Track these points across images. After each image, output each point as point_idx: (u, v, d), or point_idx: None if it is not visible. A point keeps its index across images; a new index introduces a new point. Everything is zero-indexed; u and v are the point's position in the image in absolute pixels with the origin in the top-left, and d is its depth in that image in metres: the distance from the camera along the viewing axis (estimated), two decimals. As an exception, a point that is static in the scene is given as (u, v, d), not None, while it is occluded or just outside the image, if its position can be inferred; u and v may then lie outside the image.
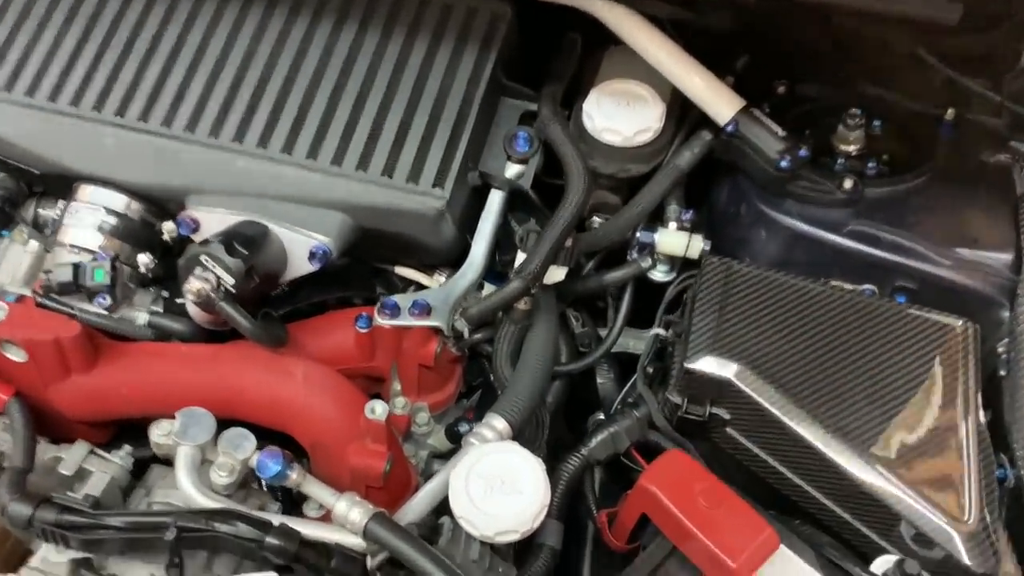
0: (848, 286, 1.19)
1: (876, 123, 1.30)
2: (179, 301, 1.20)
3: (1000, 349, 1.16)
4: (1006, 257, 1.18)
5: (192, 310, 1.17)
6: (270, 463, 1.00)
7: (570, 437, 1.35)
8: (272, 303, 1.26)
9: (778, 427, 1.07)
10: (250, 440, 1.03)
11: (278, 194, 1.18)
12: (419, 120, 1.21)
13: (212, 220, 1.16)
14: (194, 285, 1.07)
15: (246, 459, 1.03)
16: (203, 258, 1.08)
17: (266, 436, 1.07)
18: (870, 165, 1.26)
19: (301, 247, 1.16)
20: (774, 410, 1.07)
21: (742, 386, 1.08)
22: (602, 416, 1.35)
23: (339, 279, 1.29)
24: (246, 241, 1.11)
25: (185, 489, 1.00)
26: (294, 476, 1.01)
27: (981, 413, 1.08)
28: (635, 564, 1.02)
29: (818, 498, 1.09)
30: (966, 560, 0.99)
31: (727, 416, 1.11)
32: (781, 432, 1.07)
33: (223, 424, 1.05)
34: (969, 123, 1.31)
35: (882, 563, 1.00)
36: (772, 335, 1.11)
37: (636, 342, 1.41)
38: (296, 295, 1.27)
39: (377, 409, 1.07)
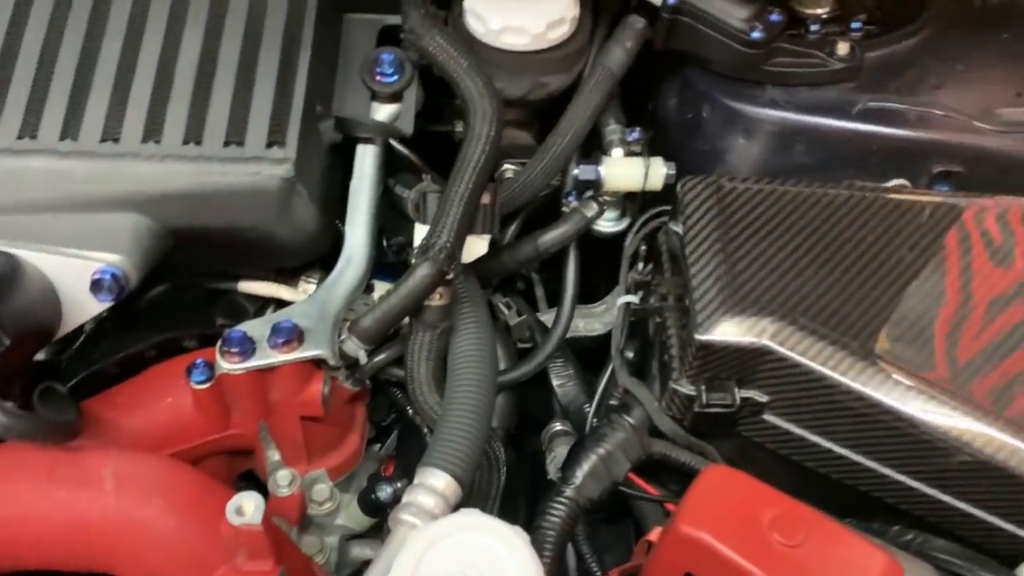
0: (873, 185, 0.87)
1: (842, -25, 1.00)
2: None
3: (1086, 231, 0.87)
4: (1061, 109, 0.90)
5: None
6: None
7: (517, 460, 1.00)
8: (58, 371, 0.83)
9: (841, 397, 0.75)
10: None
11: (26, 203, 0.77)
12: (227, 55, 0.82)
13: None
14: None
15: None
16: (-99, 325, 0.65)
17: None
18: (854, 26, 0.97)
19: (78, 277, 0.76)
20: (833, 373, 0.74)
21: (783, 350, 0.75)
22: (560, 426, 1.03)
23: (157, 317, 0.89)
24: (-23, 285, 0.69)
25: None
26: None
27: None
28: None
29: (908, 485, 0.77)
30: None
31: (764, 398, 0.78)
32: (846, 404, 0.75)
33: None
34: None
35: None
36: (803, 270, 0.79)
37: (586, 321, 1.10)
38: (94, 351, 0.86)
39: (247, 508, 0.67)
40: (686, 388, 0.78)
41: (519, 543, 0.66)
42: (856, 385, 0.74)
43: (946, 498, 0.76)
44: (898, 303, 0.77)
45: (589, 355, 1.09)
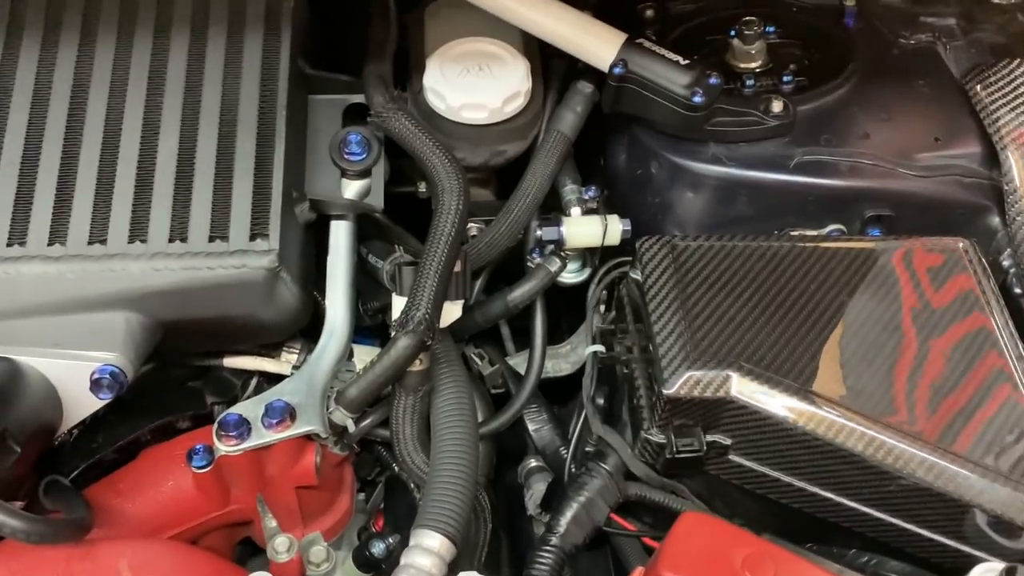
0: (812, 232, 0.94)
1: (769, 30, 1.06)
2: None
3: (1005, 263, 0.95)
4: (975, 150, 0.98)
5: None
6: None
7: (494, 496, 1.05)
8: (58, 462, 0.86)
9: (797, 436, 0.81)
10: None
11: (20, 308, 0.79)
12: (204, 151, 0.84)
13: (-78, 375, 0.76)
14: (-91, 492, 0.66)
15: None
16: (-86, 445, 0.68)
17: None
18: (785, 79, 1.02)
19: (77, 377, 0.78)
20: (789, 416, 0.80)
21: (743, 399, 0.80)
22: (535, 463, 1.07)
23: (148, 401, 0.91)
24: (-17, 396, 0.71)
25: None
26: None
27: (1020, 343, 0.86)
28: None
29: (861, 511, 0.84)
30: (1075, 536, 0.76)
31: (728, 440, 0.84)
32: (801, 441, 0.81)
33: None
34: (870, 7, 1.09)
35: (982, 573, 0.76)
36: (755, 321, 0.85)
37: (553, 363, 1.13)
38: (92, 442, 0.88)
39: (260, 585, 0.71)
40: (657, 437, 0.83)
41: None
42: (812, 427, 0.80)
43: (894, 520, 0.82)
44: (851, 347, 0.84)
45: (556, 393, 1.13)
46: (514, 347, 1.17)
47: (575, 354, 1.12)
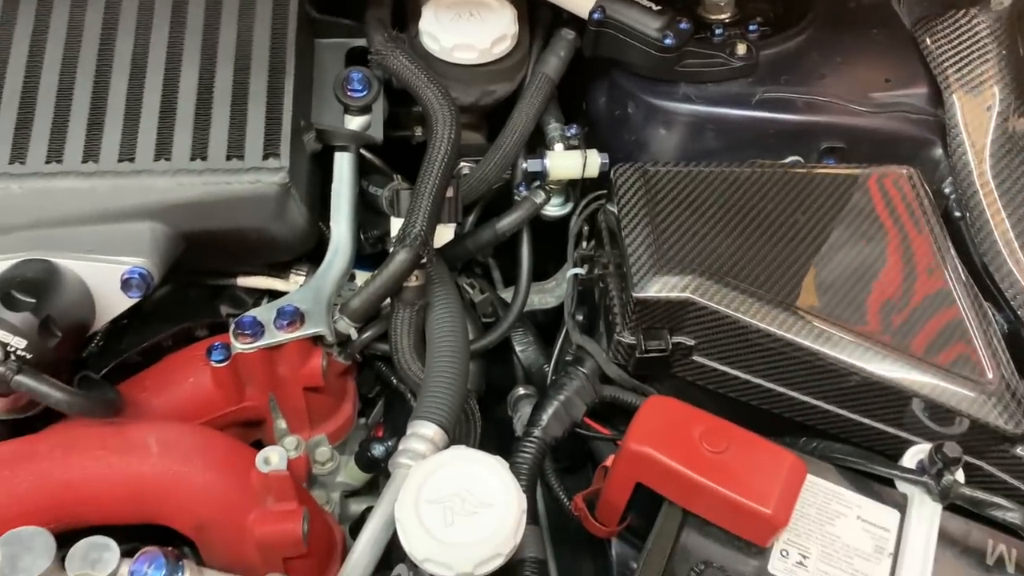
0: (772, 162, 1.03)
1: (739, -15, 1.15)
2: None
3: (946, 190, 1.05)
4: (922, 91, 1.08)
5: (-24, 400, 0.85)
6: (149, 570, 0.72)
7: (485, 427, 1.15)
8: (87, 364, 0.95)
9: (753, 336, 0.90)
10: (110, 549, 0.74)
11: (58, 218, 0.88)
12: (222, 81, 0.93)
13: (-29, 275, 0.85)
14: (-31, 363, 0.76)
15: (112, 574, 0.73)
16: (-28, 324, 0.77)
17: (132, 535, 0.78)
18: (751, 28, 1.12)
19: (109, 278, 0.87)
20: (744, 317, 0.90)
21: (703, 301, 0.90)
22: (523, 391, 1.16)
23: (169, 312, 1.01)
24: (30, 286, 0.81)
25: (34, 644, 0.70)
26: (187, 578, 0.73)
27: (958, 260, 0.95)
28: (647, 550, 0.81)
29: (812, 404, 0.93)
30: (999, 422, 0.86)
31: (692, 342, 0.93)
32: (757, 341, 0.91)
33: (66, 540, 0.74)
34: (830, -36, 1.19)
35: (914, 454, 0.85)
36: (716, 235, 0.94)
37: (540, 296, 1.23)
38: (118, 345, 0.97)
39: (272, 458, 0.81)
40: (628, 338, 0.93)
41: (501, 468, 0.81)
42: (766, 326, 0.90)
43: (843, 412, 0.92)
44: (803, 256, 0.93)
45: (543, 329, 1.23)
46: (503, 286, 1.27)
47: (560, 289, 1.22)
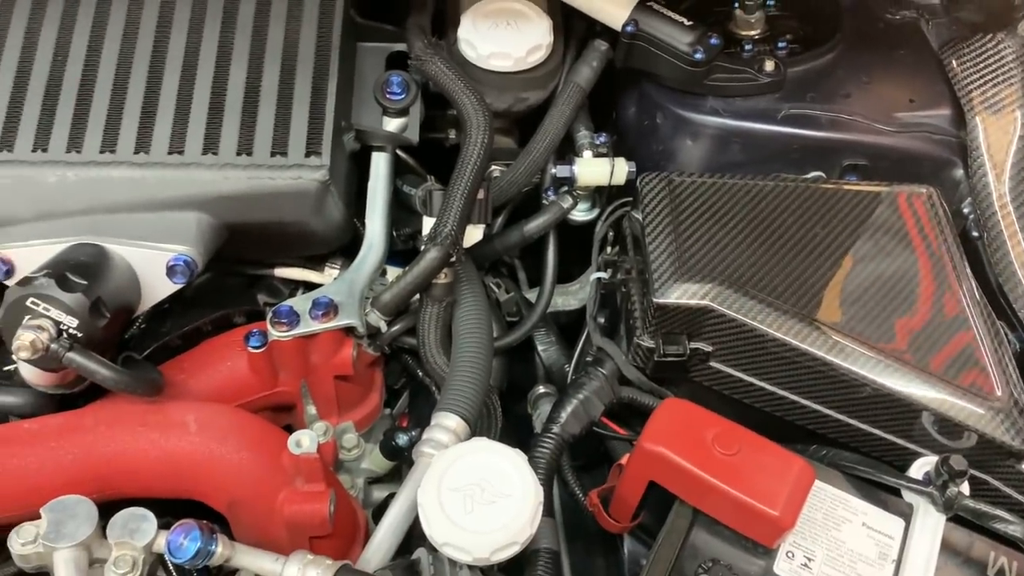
0: (794, 176, 1.06)
1: (770, 3, 1.18)
2: (7, 368, 0.92)
3: (965, 210, 1.07)
4: (945, 112, 1.10)
5: (28, 373, 0.90)
6: (185, 541, 0.76)
7: (506, 424, 1.18)
8: (129, 345, 1.00)
9: (768, 344, 0.93)
10: (148, 520, 0.79)
11: (110, 205, 0.93)
12: (268, 81, 0.98)
13: (30, 256, 0.90)
14: (26, 338, 0.80)
15: (149, 544, 0.78)
16: (30, 301, 0.82)
17: (168, 510, 0.83)
18: (780, 45, 1.14)
19: (155, 264, 0.92)
20: (761, 326, 0.93)
21: (722, 308, 0.93)
22: (544, 389, 1.19)
23: (209, 299, 1.05)
24: (82, 269, 0.85)
25: (75, 606, 0.75)
26: (221, 550, 0.77)
27: (973, 280, 0.98)
28: (657, 545, 0.85)
29: (825, 413, 0.96)
30: (1005, 438, 0.88)
31: (709, 348, 0.96)
32: (772, 350, 0.93)
33: (107, 510, 0.79)
34: (863, -15, 1.22)
35: (920, 466, 0.88)
36: (737, 245, 0.97)
37: (564, 299, 1.26)
38: (160, 328, 1.02)
39: (304, 441, 0.85)
40: (647, 342, 0.96)
41: (520, 460, 0.85)
42: (783, 336, 0.92)
43: (854, 422, 0.94)
44: (822, 270, 0.95)
45: (565, 330, 1.26)
46: (528, 287, 1.30)
47: (583, 292, 1.25)
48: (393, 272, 1.09)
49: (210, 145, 0.94)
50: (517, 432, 1.20)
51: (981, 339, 0.93)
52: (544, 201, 1.14)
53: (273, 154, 0.94)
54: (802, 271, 0.96)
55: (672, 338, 0.96)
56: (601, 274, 1.09)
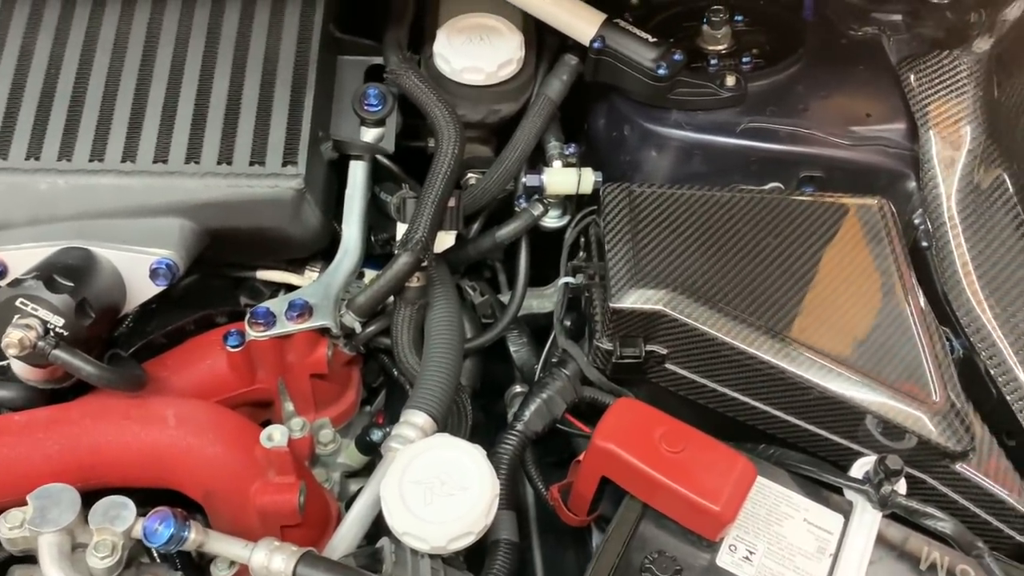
0: (750, 188, 1.11)
1: (738, 18, 1.23)
2: (0, 364, 0.98)
3: (916, 221, 1.12)
4: (900, 126, 1.14)
5: (19, 369, 0.95)
6: (160, 528, 0.82)
7: (486, 421, 1.23)
8: (118, 343, 1.05)
9: (720, 348, 0.98)
10: (128, 507, 0.84)
11: (97, 211, 0.98)
12: (249, 93, 1.03)
13: (20, 258, 0.95)
14: (14, 336, 0.86)
15: (128, 530, 0.83)
16: (19, 302, 0.87)
17: (148, 498, 0.88)
18: (744, 60, 1.19)
19: (139, 267, 0.97)
20: (711, 330, 0.97)
21: (674, 314, 0.98)
22: (520, 388, 1.24)
23: (193, 299, 1.10)
24: (69, 271, 0.91)
25: (58, 586, 0.80)
26: (193, 536, 0.83)
27: (918, 288, 1.02)
28: (607, 537, 0.90)
29: (774, 415, 1.01)
30: (941, 440, 0.93)
31: (664, 351, 1.01)
32: (722, 353, 0.98)
33: (90, 498, 0.84)
34: (829, 1, 1.26)
35: (861, 465, 0.93)
36: (691, 253, 1.02)
37: (539, 301, 1.30)
38: (145, 327, 1.07)
39: (275, 435, 0.90)
40: (605, 344, 1.01)
41: (479, 456, 0.90)
42: (732, 341, 0.97)
43: (802, 423, 0.99)
44: (772, 276, 0.99)
45: (544, 331, 1.30)
46: (508, 289, 1.34)
47: (558, 294, 1.29)
48: (371, 275, 1.14)
49: (193, 154, 1.00)
50: (497, 428, 1.24)
51: (923, 346, 0.97)
52: (516, 208, 1.19)
53: (252, 163, 0.99)
54: (754, 279, 1.00)
55: (629, 341, 1.00)
56: (569, 279, 1.14)
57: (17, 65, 1.03)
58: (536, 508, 1.20)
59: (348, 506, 1.09)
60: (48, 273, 0.89)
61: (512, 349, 1.24)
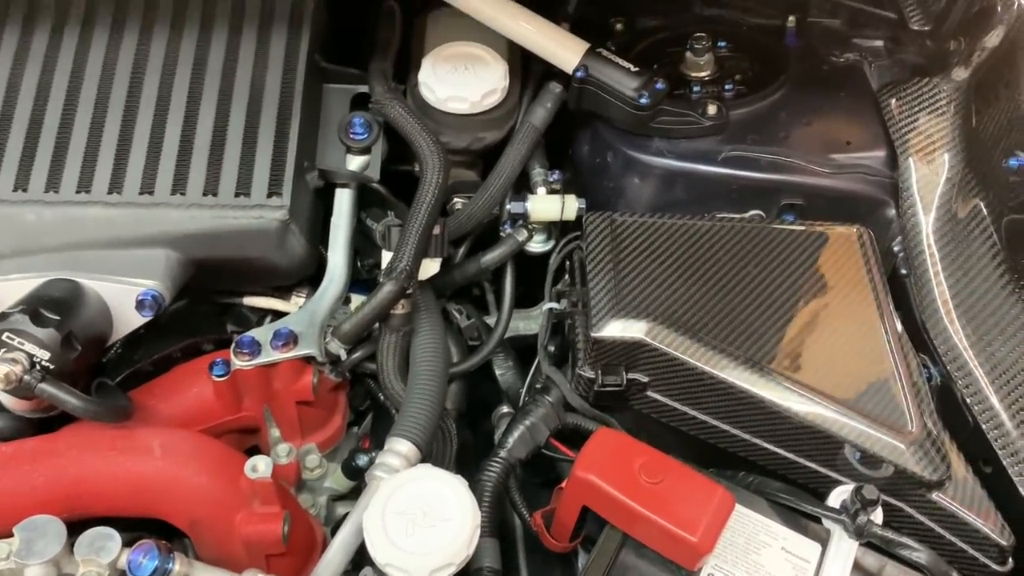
0: (735, 216, 1.12)
1: (721, 44, 1.24)
2: (-13, 395, 0.99)
3: (896, 248, 1.13)
4: (880, 154, 1.15)
5: (6, 400, 0.97)
6: (144, 560, 0.83)
7: (474, 440, 1.25)
8: (105, 371, 1.06)
9: (700, 377, 0.99)
10: (114, 539, 0.85)
11: (84, 242, 0.99)
12: (235, 124, 1.04)
13: (6, 290, 0.96)
14: (1, 371, 0.87)
15: (114, 561, 0.84)
16: (5, 336, 0.88)
17: (135, 528, 0.89)
18: (727, 87, 1.20)
19: (125, 298, 0.98)
20: (692, 360, 0.99)
21: (655, 343, 0.99)
22: (506, 409, 1.25)
23: (180, 326, 1.11)
24: (55, 304, 0.92)
25: (43, 619, 0.81)
26: (177, 568, 0.84)
27: (896, 316, 1.03)
28: (587, 567, 0.91)
29: (755, 443, 1.02)
30: (917, 469, 0.94)
31: (645, 379, 1.02)
32: (703, 382, 0.99)
33: (76, 528, 0.85)
34: (811, 27, 1.28)
35: (838, 494, 0.94)
36: (672, 282, 1.03)
37: (525, 323, 1.32)
38: (133, 355, 1.08)
39: (259, 466, 0.91)
40: (587, 372, 1.02)
41: (460, 486, 0.91)
42: (711, 370, 0.98)
43: (781, 451, 1.00)
44: (751, 306, 1.01)
45: (531, 351, 1.31)
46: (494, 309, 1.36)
47: (542, 319, 1.30)
48: (358, 300, 1.15)
49: (179, 186, 1.01)
50: (486, 448, 1.25)
51: (900, 376, 0.98)
52: (502, 234, 1.20)
53: (237, 194, 1.00)
54: (733, 308, 1.01)
55: (611, 369, 1.02)
56: (553, 304, 1.15)
57: (5, 96, 1.04)
58: (523, 529, 1.21)
59: (334, 531, 1.11)
60: (34, 307, 0.90)
61: (498, 372, 1.25)
